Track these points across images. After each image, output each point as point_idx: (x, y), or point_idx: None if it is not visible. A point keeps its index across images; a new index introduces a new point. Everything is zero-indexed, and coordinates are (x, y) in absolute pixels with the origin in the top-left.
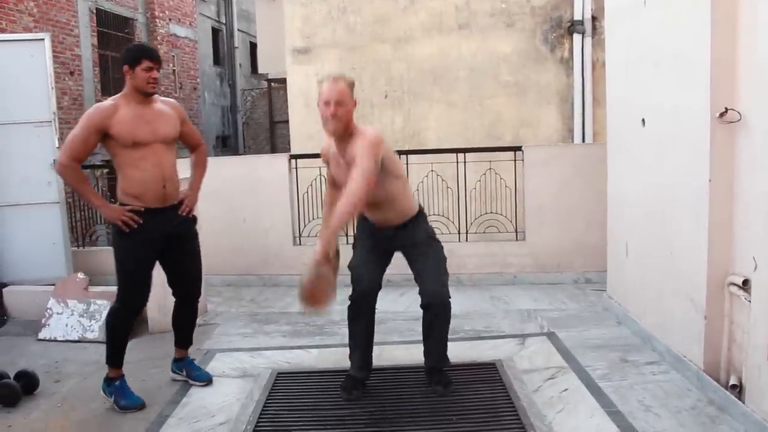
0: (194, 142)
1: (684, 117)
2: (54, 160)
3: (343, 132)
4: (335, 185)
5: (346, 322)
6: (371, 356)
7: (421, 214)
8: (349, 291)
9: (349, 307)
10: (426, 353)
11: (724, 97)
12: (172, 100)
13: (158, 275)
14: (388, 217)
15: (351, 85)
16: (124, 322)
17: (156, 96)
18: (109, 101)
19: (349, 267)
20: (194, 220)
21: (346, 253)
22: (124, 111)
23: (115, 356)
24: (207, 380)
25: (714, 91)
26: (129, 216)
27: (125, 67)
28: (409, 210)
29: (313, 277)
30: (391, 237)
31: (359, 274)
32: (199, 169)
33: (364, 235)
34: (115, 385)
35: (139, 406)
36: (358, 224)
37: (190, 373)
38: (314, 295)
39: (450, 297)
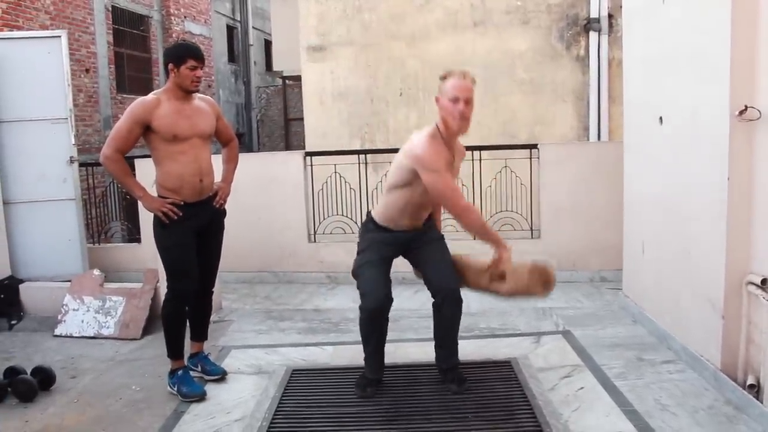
0: (227, 138)
1: (702, 115)
2: (70, 157)
3: (466, 130)
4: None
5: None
6: (383, 357)
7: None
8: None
9: (363, 320)
10: (440, 353)
11: (744, 95)
12: (208, 97)
13: None
14: (420, 221)
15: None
16: (176, 310)
17: (194, 93)
18: (151, 95)
19: (354, 275)
20: (224, 213)
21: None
22: (165, 106)
23: (173, 348)
24: (221, 374)
25: (733, 88)
26: (169, 208)
27: (170, 65)
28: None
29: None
30: (409, 239)
31: (371, 290)
32: (231, 163)
33: (374, 244)
34: (177, 375)
35: (200, 394)
36: (368, 233)
37: (205, 367)
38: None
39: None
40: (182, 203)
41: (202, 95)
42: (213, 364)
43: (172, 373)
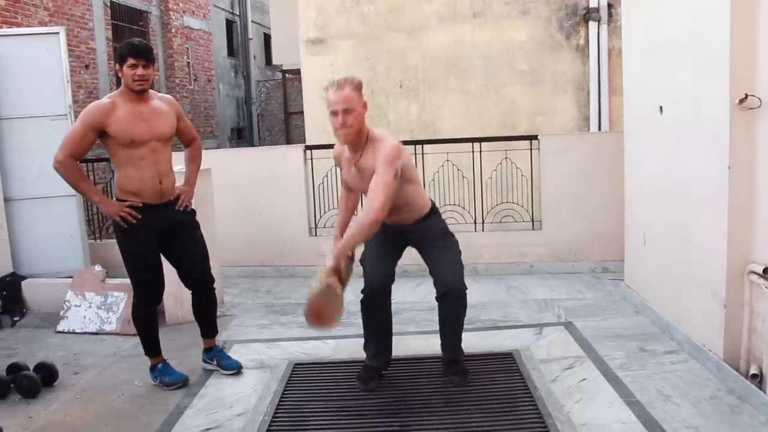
0: (189, 138)
1: (703, 104)
2: None
3: (356, 139)
4: (350, 189)
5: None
6: (390, 345)
7: (433, 211)
8: (362, 283)
9: (362, 302)
10: (443, 345)
11: (744, 84)
12: (168, 96)
13: (172, 270)
14: (401, 219)
15: (358, 87)
16: (144, 314)
17: (152, 92)
18: (106, 99)
19: (361, 261)
20: (193, 212)
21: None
22: (121, 109)
23: (148, 347)
24: (237, 368)
25: (733, 77)
26: (127, 212)
27: (117, 66)
28: (423, 209)
29: (322, 292)
30: (402, 232)
31: (371, 270)
32: (194, 163)
33: (374, 240)
34: (158, 369)
35: (183, 381)
36: None
37: (220, 362)
38: (320, 311)
39: (467, 288)
40: (141, 205)
41: (162, 94)
42: (228, 357)
43: (153, 368)
